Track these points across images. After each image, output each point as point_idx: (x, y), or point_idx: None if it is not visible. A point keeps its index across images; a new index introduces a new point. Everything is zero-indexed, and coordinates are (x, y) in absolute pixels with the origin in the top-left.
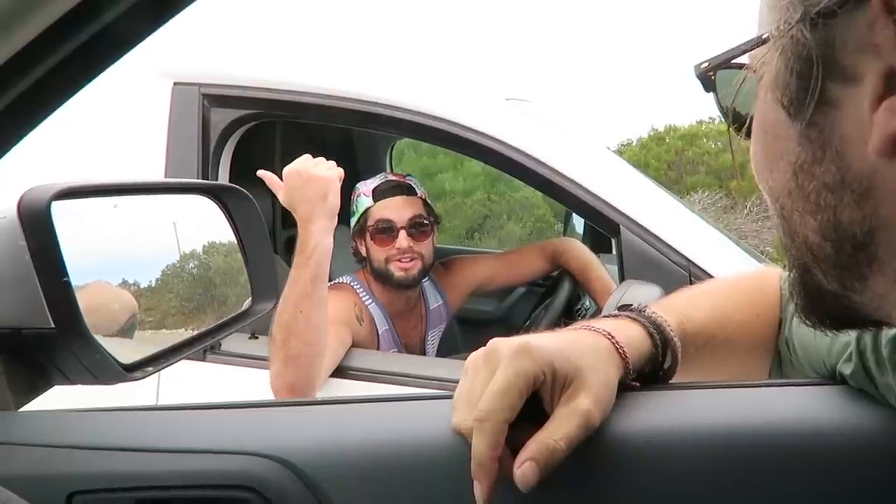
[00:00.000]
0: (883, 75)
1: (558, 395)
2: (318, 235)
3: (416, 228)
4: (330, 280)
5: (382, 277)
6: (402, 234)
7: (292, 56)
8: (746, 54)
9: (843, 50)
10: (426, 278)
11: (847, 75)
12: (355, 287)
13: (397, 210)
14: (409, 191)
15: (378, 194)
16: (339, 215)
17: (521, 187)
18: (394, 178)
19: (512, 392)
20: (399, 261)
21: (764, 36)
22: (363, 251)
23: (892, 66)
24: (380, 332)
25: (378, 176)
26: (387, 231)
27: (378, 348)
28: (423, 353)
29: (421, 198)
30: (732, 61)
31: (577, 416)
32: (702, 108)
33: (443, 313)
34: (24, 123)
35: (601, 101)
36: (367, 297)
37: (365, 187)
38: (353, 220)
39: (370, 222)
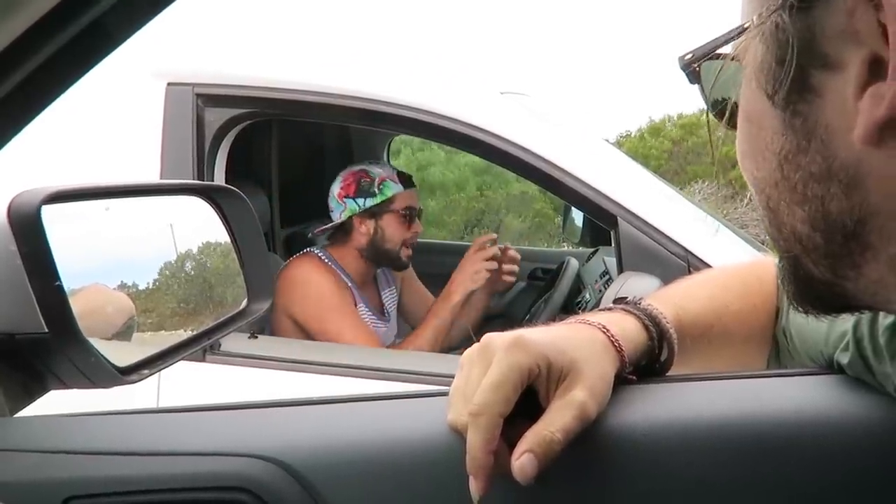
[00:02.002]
0: (866, 62)
1: (554, 389)
2: (458, 301)
3: (419, 217)
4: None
5: (383, 257)
6: (417, 221)
7: (286, 54)
8: (730, 44)
9: (825, 37)
10: None
11: (829, 62)
12: (323, 258)
13: (415, 199)
14: (415, 183)
15: (404, 182)
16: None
17: (513, 180)
18: (397, 169)
19: (506, 385)
20: (408, 246)
21: (745, 25)
22: (364, 230)
23: (875, 53)
24: (355, 297)
25: (381, 164)
26: (410, 217)
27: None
28: (383, 312)
29: None
30: (717, 51)
31: (573, 408)
32: (700, 98)
33: (388, 277)
34: (14, 122)
35: (600, 92)
36: (334, 266)
37: (385, 173)
38: (370, 202)
39: (398, 206)
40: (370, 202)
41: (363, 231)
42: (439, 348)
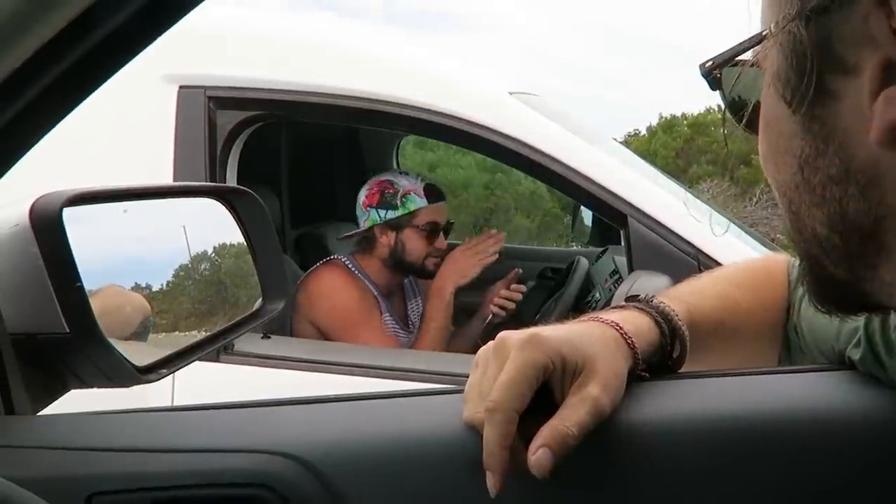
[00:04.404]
0: (881, 66)
1: (568, 385)
2: (450, 299)
3: (446, 232)
4: (310, 260)
5: (406, 268)
6: (442, 236)
7: (296, 56)
8: (750, 50)
9: (841, 42)
10: None
11: (846, 67)
12: (348, 265)
13: (442, 214)
14: (444, 197)
15: (430, 196)
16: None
17: (523, 180)
18: (430, 181)
19: (521, 382)
20: (434, 258)
21: (764, 32)
22: (386, 241)
23: (890, 57)
24: (381, 306)
25: (411, 176)
26: (433, 232)
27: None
28: (408, 323)
29: None
30: (737, 58)
31: (587, 404)
32: (709, 97)
33: (415, 289)
34: (32, 133)
35: (608, 92)
36: (360, 274)
37: (411, 185)
38: (392, 214)
39: (419, 221)
40: (391, 215)
41: (384, 242)
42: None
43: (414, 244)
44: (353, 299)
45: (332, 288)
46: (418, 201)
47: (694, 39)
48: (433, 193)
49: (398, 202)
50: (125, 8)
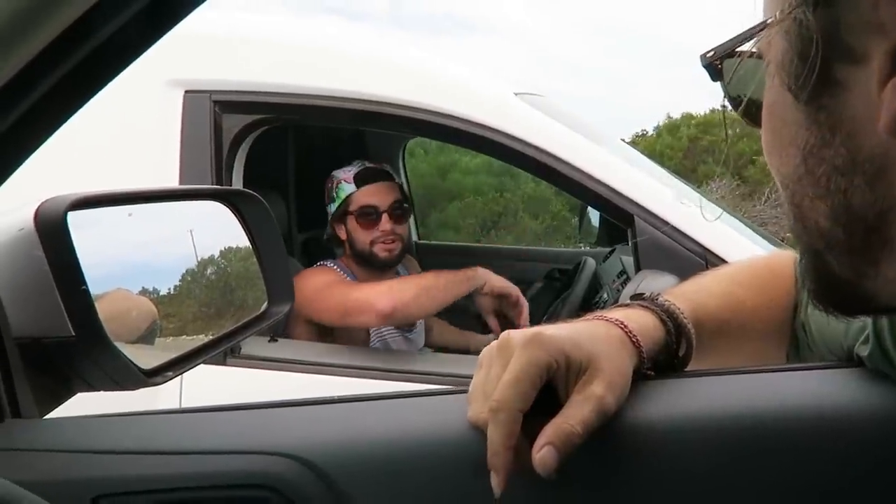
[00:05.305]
0: (889, 54)
1: (572, 384)
2: (470, 277)
3: (397, 212)
4: (314, 264)
5: (365, 260)
6: (385, 217)
7: (301, 59)
8: (753, 40)
9: (849, 30)
10: None
11: (854, 56)
12: (337, 270)
13: (379, 195)
14: (388, 177)
15: (359, 181)
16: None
17: (528, 181)
18: (372, 165)
19: (525, 381)
20: (383, 243)
21: (768, 21)
22: (342, 235)
23: None
24: None
25: (354, 163)
26: (371, 215)
27: None
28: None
29: (398, 183)
30: (739, 48)
31: (591, 402)
32: (716, 96)
33: None
34: (37, 135)
35: (615, 92)
36: (349, 276)
37: (344, 174)
38: (334, 207)
39: (353, 208)
40: (332, 207)
41: (342, 237)
42: (418, 310)
43: (357, 232)
44: (339, 281)
45: (321, 282)
46: (347, 188)
47: (702, 40)
48: (366, 176)
49: (335, 194)
50: (129, 7)
